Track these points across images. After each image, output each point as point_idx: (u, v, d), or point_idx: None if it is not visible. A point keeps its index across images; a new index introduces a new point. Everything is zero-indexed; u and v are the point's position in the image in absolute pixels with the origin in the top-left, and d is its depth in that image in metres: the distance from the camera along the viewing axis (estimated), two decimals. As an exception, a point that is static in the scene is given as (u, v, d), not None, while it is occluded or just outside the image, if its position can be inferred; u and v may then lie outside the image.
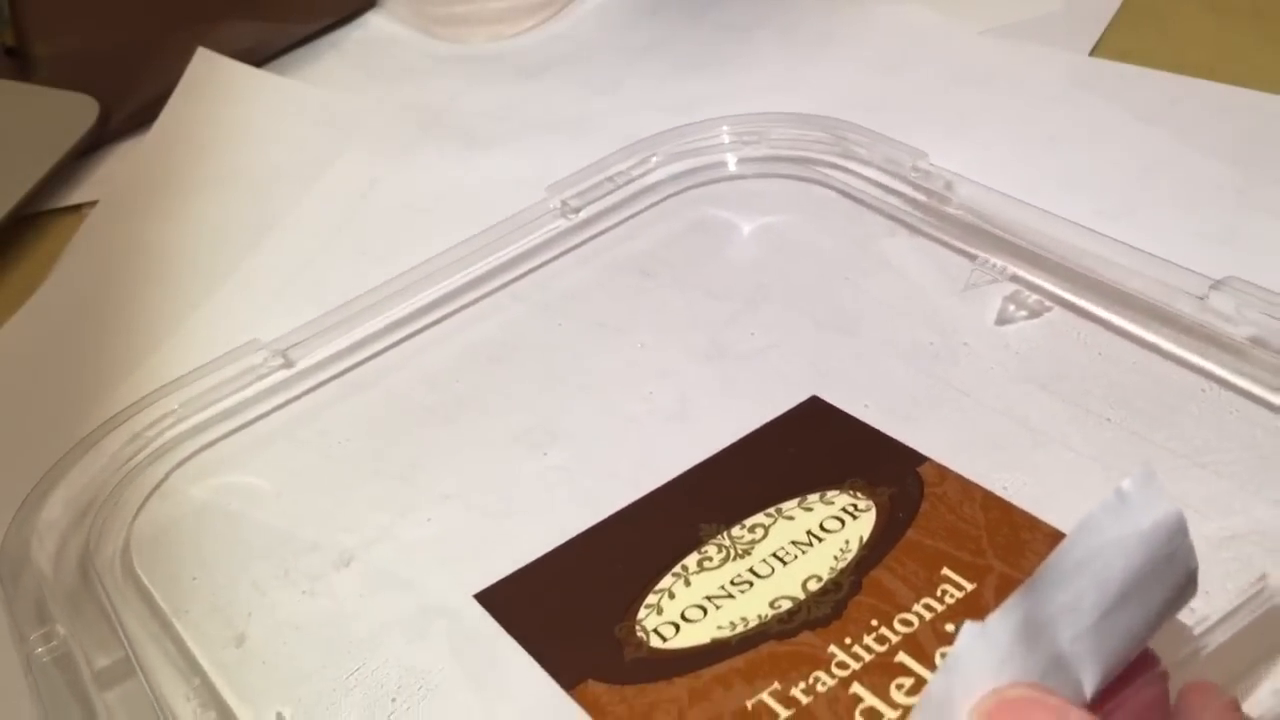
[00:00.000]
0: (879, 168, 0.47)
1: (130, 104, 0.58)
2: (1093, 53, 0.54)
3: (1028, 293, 0.42)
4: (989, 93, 0.53)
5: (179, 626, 0.36)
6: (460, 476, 0.39)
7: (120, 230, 0.53)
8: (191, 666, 0.34)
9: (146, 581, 0.37)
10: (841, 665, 0.31)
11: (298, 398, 0.43)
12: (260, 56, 0.61)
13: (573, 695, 0.31)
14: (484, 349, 0.44)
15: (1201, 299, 0.38)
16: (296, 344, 0.43)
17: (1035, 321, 0.41)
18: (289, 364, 0.43)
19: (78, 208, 0.55)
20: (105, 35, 0.61)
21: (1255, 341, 0.37)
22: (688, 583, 0.34)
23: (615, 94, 0.57)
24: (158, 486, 0.40)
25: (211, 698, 0.33)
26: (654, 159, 0.49)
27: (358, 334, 0.44)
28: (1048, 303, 0.41)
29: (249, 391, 0.42)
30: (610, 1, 0.64)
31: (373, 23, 0.65)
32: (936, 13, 0.58)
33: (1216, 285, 0.37)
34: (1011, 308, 0.42)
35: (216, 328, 0.46)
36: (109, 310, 0.49)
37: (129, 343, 0.47)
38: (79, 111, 0.57)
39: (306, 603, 0.36)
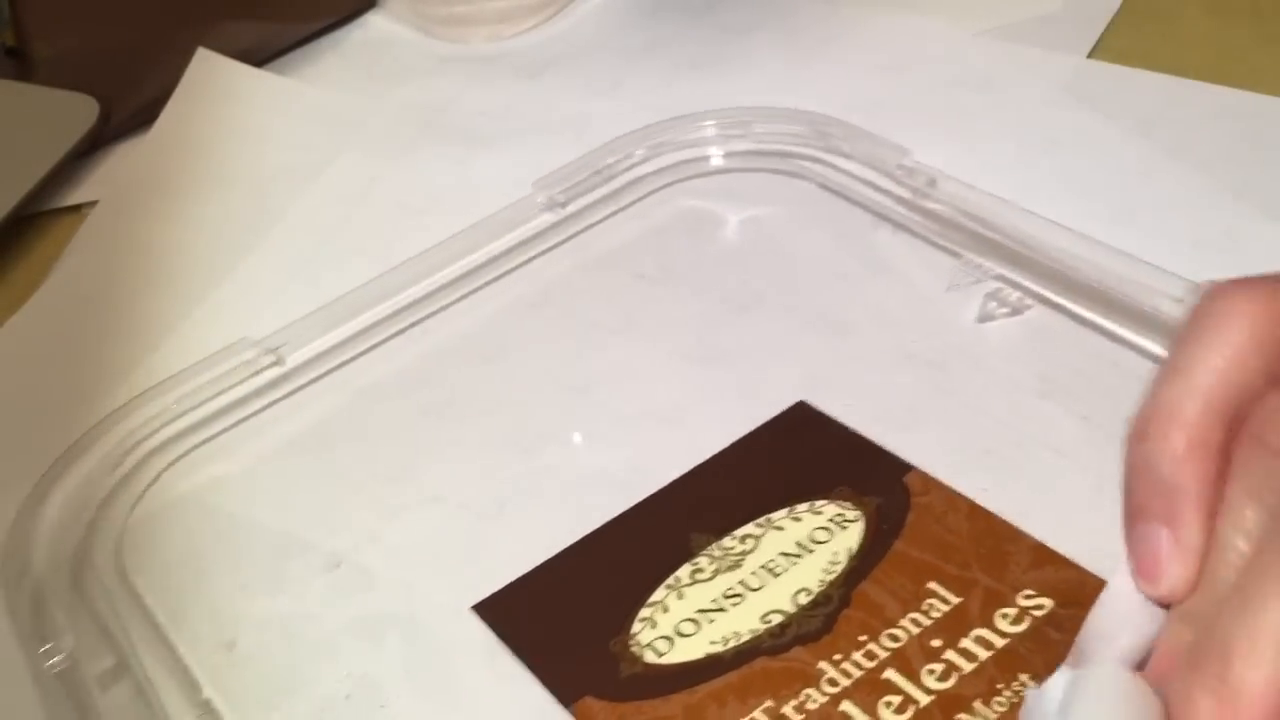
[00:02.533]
0: (863, 163, 0.47)
1: (130, 104, 0.58)
2: (1092, 54, 0.54)
3: (1009, 290, 0.42)
4: (987, 94, 0.52)
5: (171, 632, 0.36)
6: (451, 478, 0.39)
7: (120, 230, 0.53)
8: (185, 672, 0.34)
9: (140, 586, 0.37)
10: (831, 682, 0.31)
11: (288, 395, 0.43)
12: (260, 56, 0.61)
13: (571, 711, 0.32)
14: (474, 346, 0.44)
15: (1179, 301, 0.38)
16: (287, 341, 0.43)
17: (1016, 319, 0.41)
18: (280, 361, 0.43)
19: (78, 208, 0.55)
20: (105, 35, 0.62)
21: None
22: (680, 595, 0.34)
23: (615, 94, 0.57)
24: (149, 488, 0.41)
25: (205, 706, 0.34)
26: (639, 153, 0.49)
27: (349, 329, 0.44)
28: (1028, 300, 0.41)
29: (240, 390, 0.42)
30: (610, 1, 0.64)
31: (373, 23, 0.65)
32: (935, 14, 0.58)
33: (1195, 289, 0.37)
34: (993, 305, 0.42)
35: (216, 327, 0.46)
36: (109, 310, 0.49)
37: (129, 342, 0.47)
38: (79, 111, 0.57)
39: (296, 606, 0.36)
